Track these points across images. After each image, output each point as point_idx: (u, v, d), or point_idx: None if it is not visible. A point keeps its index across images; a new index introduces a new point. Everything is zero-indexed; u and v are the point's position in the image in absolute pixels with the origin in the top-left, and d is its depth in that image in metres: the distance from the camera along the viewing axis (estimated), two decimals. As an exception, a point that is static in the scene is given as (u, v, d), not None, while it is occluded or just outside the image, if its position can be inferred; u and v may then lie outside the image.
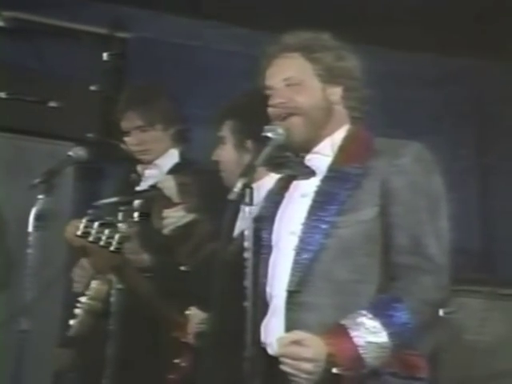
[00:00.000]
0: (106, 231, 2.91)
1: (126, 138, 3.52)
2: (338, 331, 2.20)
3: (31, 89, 4.29)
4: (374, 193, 2.32)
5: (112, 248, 2.91)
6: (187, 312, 2.97)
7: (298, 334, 2.22)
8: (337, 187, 2.36)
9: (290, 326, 2.31)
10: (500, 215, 4.82)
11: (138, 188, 3.46)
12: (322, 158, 2.44)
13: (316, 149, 2.45)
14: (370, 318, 2.20)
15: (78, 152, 3.29)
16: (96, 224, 2.91)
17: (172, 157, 3.52)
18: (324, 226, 2.32)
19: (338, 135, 2.45)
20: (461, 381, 4.07)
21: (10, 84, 4.26)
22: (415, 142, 2.39)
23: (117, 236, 2.91)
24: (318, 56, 2.43)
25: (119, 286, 3.20)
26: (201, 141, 4.38)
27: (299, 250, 2.34)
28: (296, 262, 2.34)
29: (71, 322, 3.29)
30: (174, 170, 3.46)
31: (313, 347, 2.18)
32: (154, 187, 3.29)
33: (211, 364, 2.77)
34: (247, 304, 2.32)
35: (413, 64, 4.63)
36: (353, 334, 2.19)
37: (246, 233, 2.40)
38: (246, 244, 2.38)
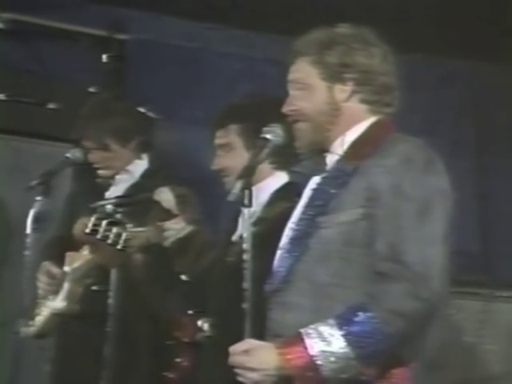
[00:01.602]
0: (114, 229, 2.91)
1: (89, 155, 3.49)
2: (294, 339, 2.14)
3: (30, 90, 4.29)
4: (359, 194, 2.23)
5: (119, 246, 2.91)
6: (189, 312, 2.96)
7: (247, 343, 2.19)
8: (327, 185, 2.31)
9: (270, 326, 2.29)
10: (498, 217, 4.81)
11: (109, 193, 3.46)
12: (335, 156, 2.37)
13: (331, 148, 2.39)
14: (331, 326, 2.12)
15: (75, 154, 3.30)
16: (104, 222, 2.91)
17: (142, 163, 3.52)
18: (310, 226, 2.27)
19: (353, 132, 2.36)
20: (459, 383, 4.07)
21: (9, 86, 4.26)
22: (411, 142, 2.29)
23: (124, 234, 2.92)
24: (321, 57, 2.36)
25: (95, 288, 3.22)
26: (200, 142, 4.40)
27: (286, 251, 2.31)
28: (279, 261, 2.32)
29: (32, 322, 3.28)
30: (146, 175, 3.47)
31: (258, 357, 2.14)
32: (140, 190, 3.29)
33: (212, 364, 2.77)
34: (246, 306, 2.33)
35: (410, 65, 4.62)
36: (307, 341, 2.11)
37: (245, 235, 2.40)
38: (245, 246, 2.38)
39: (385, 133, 2.35)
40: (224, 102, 3.09)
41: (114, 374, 3.07)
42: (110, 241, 2.90)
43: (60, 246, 3.38)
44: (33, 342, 3.18)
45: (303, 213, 2.33)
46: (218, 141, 2.97)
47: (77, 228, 3.06)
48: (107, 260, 3.07)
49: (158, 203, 3.02)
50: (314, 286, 2.23)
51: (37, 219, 3.07)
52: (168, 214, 3.01)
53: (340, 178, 2.29)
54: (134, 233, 2.92)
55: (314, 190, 2.35)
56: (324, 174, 2.37)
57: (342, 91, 2.36)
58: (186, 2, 4.45)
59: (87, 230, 2.93)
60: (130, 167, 3.50)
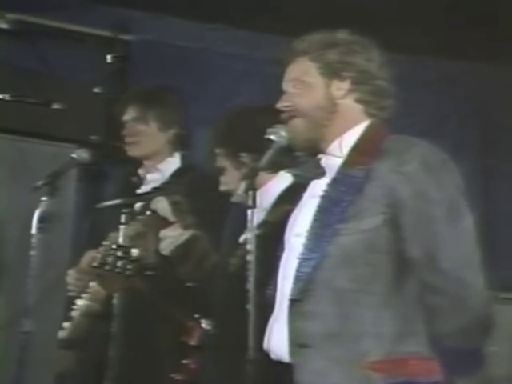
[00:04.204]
0: (120, 256, 2.92)
1: (123, 133, 3.50)
2: None
3: (35, 91, 4.30)
4: (379, 200, 2.23)
5: (128, 272, 2.92)
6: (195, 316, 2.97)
7: None
8: (340, 192, 2.29)
9: (293, 336, 2.27)
10: (502, 218, 4.81)
11: (139, 191, 3.47)
12: (333, 159, 2.38)
13: (328, 149, 2.40)
14: None
15: (81, 154, 3.30)
16: (112, 252, 2.92)
17: (174, 162, 3.51)
18: (327, 233, 2.26)
19: (351, 135, 2.37)
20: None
21: (14, 86, 4.26)
22: (421, 143, 2.30)
23: (130, 260, 2.93)
24: (322, 53, 2.39)
25: None
26: (203, 143, 4.40)
27: (302, 258, 2.29)
28: (299, 271, 2.29)
29: (65, 324, 3.30)
30: (176, 175, 3.46)
31: None
32: (157, 189, 3.30)
33: (216, 367, 2.78)
34: (249, 307, 2.33)
35: (414, 67, 4.63)
36: None
37: (249, 235, 2.41)
38: (249, 247, 2.39)
39: (382, 135, 2.36)
40: (213, 122, 3.09)
41: (118, 376, 3.08)
42: (118, 270, 2.91)
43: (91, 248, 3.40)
44: (39, 341, 3.18)
45: (316, 220, 2.31)
46: (217, 165, 3.00)
47: (83, 261, 3.09)
48: (115, 287, 3.08)
49: (155, 212, 3.04)
50: (335, 293, 2.23)
51: (42, 219, 3.07)
52: (165, 223, 3.03)
53: (352, 183, 2.29)
54: (139, 255, 2.93)
55: (324, 196, 2.34)
56: (331, 179, 2.36)
57: (339, 88, 2.39)
58: (190, 3, 4.46)
59: (95, 264, 2.94)
60: (162, 166, 3.49)
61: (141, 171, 3.54)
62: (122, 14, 4.55)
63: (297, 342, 2.26)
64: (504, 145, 4.89)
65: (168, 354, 3.10)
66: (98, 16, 4.51)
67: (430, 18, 4.35)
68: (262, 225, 2.71)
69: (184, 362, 2.92)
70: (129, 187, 3.51)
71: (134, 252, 2.92)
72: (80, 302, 3.25)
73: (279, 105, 2.45)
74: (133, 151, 3.49)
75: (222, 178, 2.97)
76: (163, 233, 3.01)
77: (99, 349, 3.15)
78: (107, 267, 2.90)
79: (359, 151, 2.34)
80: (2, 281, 4.08)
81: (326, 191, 2.34)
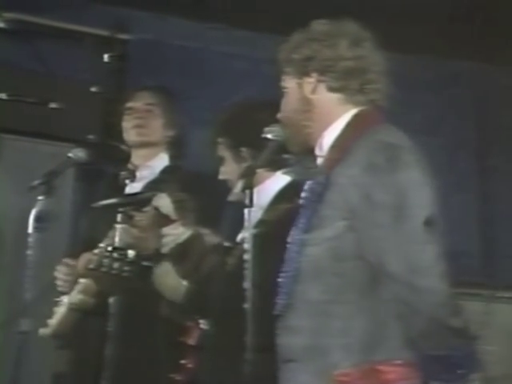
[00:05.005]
0: (116, 258, 2.92)
1: (126, 117, 3.51)
2: None
3: (32, 90, 4.30)
4: (337, 207, 2.17)
5: (125, 274, 2.92)
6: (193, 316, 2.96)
7: None
8: (307, 200, 2.27)
9: (281, 351, 2.25)
10: (500, 218, 4.81)
11: (129, 189, 3.47)
12: (317, 160, 2.34)
13: (315, 149, 2.35)
14: None
15: (78, 153, 3.29)
16: (108, 254, 2.91)
17: (163, 159, 3.53)
18: (298, 244, 2.23)
19: (331, 131, 2.30)
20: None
21: (11, 85, 4.26)
22: (375, 140, 2.19)
23: (127, 261, 2.93)
24: (290, 56, 2.35)
25: None
26: (201, 143, 4.40)
27: (284, 270, 2.26)
28: (281, 284, 2.27)
29: (49, 320, 3.29)
30: (165, 172, 3.47)
31: None
32: (153, 187, 3.30)
33: (215, 366, 2.77)
34: (247, 306, 2.33)
35: (412, 66, 4.63)
36: None
37: (246, 234, 2.40)
38: (246, 246, 2.38)
39: (360, 131, 2.24)
40: (215, 114, 3.10)
41: (115, 375, 3.07)
42: (115, 271, 2.91)
43: (82, 247, 3.40)
44: (36, 341, 3.17)
45: (293, 233, 2.29)
46: (216, 154, 3.00)
47: (80, 264, 3.09)
48: (113, 289, 3.08)
49: (156, 209, 3.03)
50: (310, 306, 2.19)
51: (39, 219, 3.07)
52: (166, 220, 3.02)
53: (315, 190, 2.25)
54: (136, 257, 2.93)
55: (302, 206, 2.30)
56: (308, 187, 2.33)
57: (308, 84, 2.33)
58: (189, 2, 4.45)
59: (91, 266, 2.94)
60: (152, 163, 3.51)
61: (130, 167, 3.54)
62: (120, 14, 4.55)
63: (283, 358, 2.25)
64: (503, 144, 4.89)
65: (165, 354, 3.10)
66: (95, 15, 4.51)
67: (430, 17, 4.35)
68: (260, 223, 2.70)
69: (182, 361, 2.92)
70: (119, 186, 3.51)
71: (131, 253, 2.92)
72: (67, 298, 3.25)
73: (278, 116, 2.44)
74: (137, 136, 3.50)
75: (222, 168, 2.96)
76: (164, 230, 3.00)
77: (96, 348, 3.14)
78: (104, 269, 2.90)
79: (334, 151, 2.27)
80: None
81: (303, 200, 2.32)
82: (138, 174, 3.51)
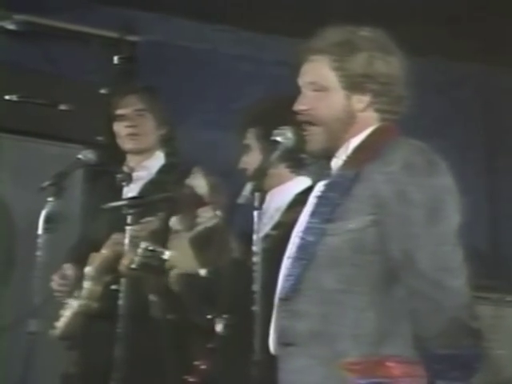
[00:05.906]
0: (153, 257, 2.96)
1: (117, 124, 3.52)
2: None
3: (41, 91, 4.30)
4: (365, 201, 2.22)
5: (164, 273, 2.94)
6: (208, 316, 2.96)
7: None
8: (330, 192, 2.29)
9: (280, 334, 2.28)
10: (509, 220, 4.81)
11: (126, 191, 3.47)
12: (338, 161, 2.36)
13: (338, 152, 2.37)
14: None
15: (87, 155, 3.31)
16: (149, 254, 2.95)
17: (158, 158, 3.54)
18: (316, 233, 2.26)
19: (357, 139, 2.35)
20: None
21: (21, 87, 4.27)
22: (412, 145, 2.26)
23: (162, 259, 2.96)
24: (344, 62, 2.33)
25: (114, 287, 3.23)
26: (209, 143, 4.41)
27: (293, 258, 2.30)
28: (288, 270, 2.29)
29: (56, 323, 3.30)
30: (161, 171, 3.48)
31: None
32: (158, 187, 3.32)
33: (227, 367, 2.77)
34: (256, 308, 2.34)
35: (420, 68, 4.62)
36: None
37: (254, 237, 2.40)
38: (254, 248, 2.39)
39: (387, 137, 2.32)
40: (247, 104, 3.10)
41: (125, 377, 3.07)
42: (154, 271, 2.95)
43: (84, 249, 3.41)
44: (45, 342, 3.18)
45: (309, 221, 2.32)
46: (243, 142, 2.99)
47: (122, 264, 3.11)
48: (151, 288, 3.11)
49: (190, 188, 3.00)
50: (322, 293, 2.22)
51: (48, 220, 3.08)
52: (199, 201, 3.01)
53: (342, 184, 2.28)
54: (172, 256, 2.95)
55: (319, 197, 2.34)
56: (327, 181, 2.35)
57: (359, 101, 2.34)
58: (197, 4, 4.46)
59: (133, 266, 2.96)
60: (148, 163, 3.51)
61: (126, 169, 3.55)
62: (129, 15, 4.56)
63: (282, 341, 2.27)
64: (510, 146, 4.88)
65: (176, 355, 3.10)
66: (104, 17, 4.52)
67: (441, 20, 4.35)
68: (277, 225, 2.70)
69: (196, 363, 2.92)
70: (116, 187, 3.51)
71: (167, 254, 2.94)
72: (74, 302, 3.26)
73: (297, 107, 2.40)
74: (132, 144, 3.51)
75: (244, 157, 2.95)
76: (199, 211, 2.98)
77: (105, 349, 3.15)
78: (141, 268, 2.92)
79: (357, 154, 2.32)
80: (10, 280, 4.09)
81: (321, 192, 2.34)
82: (134, 175, 3.51)
